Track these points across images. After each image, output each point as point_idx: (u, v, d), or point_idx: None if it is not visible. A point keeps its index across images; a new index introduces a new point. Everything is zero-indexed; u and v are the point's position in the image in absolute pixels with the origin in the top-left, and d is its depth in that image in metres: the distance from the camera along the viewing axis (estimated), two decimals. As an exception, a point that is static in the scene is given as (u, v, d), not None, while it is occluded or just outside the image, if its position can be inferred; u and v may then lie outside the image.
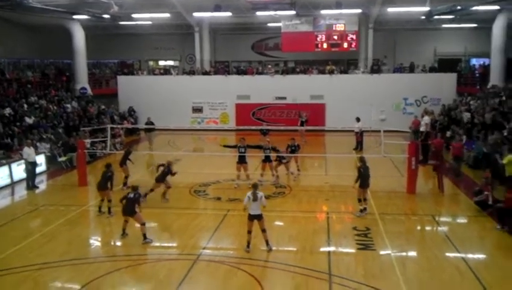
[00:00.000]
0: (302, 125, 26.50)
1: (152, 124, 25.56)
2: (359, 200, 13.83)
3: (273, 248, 11.30)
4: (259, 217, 11.07)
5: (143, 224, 11.78)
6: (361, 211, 13.67)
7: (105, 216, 13.88)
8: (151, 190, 15.01)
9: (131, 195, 11.85)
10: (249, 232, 11.11)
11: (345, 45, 30.94)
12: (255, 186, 11.25)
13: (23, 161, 17.93)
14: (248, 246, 11.12)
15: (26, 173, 17.74)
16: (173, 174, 15.26)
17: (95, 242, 12.48)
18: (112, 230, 13.12)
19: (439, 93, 29.49)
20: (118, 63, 37.66)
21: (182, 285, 9.48)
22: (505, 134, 18.75)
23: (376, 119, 28.22)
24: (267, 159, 17.37)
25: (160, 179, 15.05)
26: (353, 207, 14.85)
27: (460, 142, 18.56)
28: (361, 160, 14.24)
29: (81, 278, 9.82)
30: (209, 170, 19.23)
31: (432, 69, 31.40)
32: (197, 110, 32.18)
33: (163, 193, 15.27)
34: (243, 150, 17.01)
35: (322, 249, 11.40)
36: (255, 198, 10.97)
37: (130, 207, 11.79)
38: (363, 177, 13.73)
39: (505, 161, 15.02)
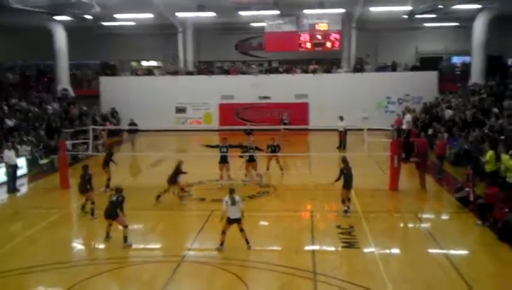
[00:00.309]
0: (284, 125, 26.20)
1: (135, 124, 25.41)
2: (343, 201, 13.77)
3: (257, 248, 11.33)
4: (238, 221, 11.10)
5: (126, 226, 11.63)
6: (345, 211, 13.64)
7: (88, 218, 13.72)
8: (165, 191, 14.91)
9: (114, 198, 11.71)
10: (223, 232, 11.12)
11: (328, 44, 31.07)
12: (231, 191, 11.15)
13: (3, 164, 17.66)
14: (222, 245, 11.12)
15: (7, 176, 17.45)
16: (183, 173, 15.26)
17: (78, 245, 12.35)
18: (95, 233, 12.97)
19: (421, 91, 29.79)
20: (100, 64, 37.29)
21: (166, 287, 9.43)
22: (486, 131, 19.01)
23: (359, 117, 28.39)
24: (251, 159, 17.37)
25: (172, 180, 14.96)
26: (337, 206, 14.91)
27: (443, 141, 18.73)
28: (344, 161, 14.15)
29: (64, 281, 9.72)
30: (193, 170, 19.11)
31: (414, 68, 31.75)
32: (181, 110, 32.05)
33: (179, 194, 15.31)
34: (225, 150, 17.01)
35: (306, 248, 11.45)
36: (233, 202, 10.96)
37: (112, 210, 11.63)
38: (347, 178, 13.67)
39: (486, 158, 15.26)
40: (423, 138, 18.20)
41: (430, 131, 22.96)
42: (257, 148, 17.56)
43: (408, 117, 23.16)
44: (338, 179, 13.79)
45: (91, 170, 14.58)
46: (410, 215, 13.87)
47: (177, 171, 15.09)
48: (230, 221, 11.07)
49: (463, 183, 14.62)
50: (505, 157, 14.79)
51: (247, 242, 11.22)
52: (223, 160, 16.99)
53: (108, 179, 16.71)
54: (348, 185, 13.72)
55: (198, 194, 16.20)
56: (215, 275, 10.08)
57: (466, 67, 30.59)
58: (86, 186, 14.02)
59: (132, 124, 25.42)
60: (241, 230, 11.20)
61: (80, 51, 33.19)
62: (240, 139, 19.91)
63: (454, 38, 32.91)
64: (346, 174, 13.69)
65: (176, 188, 15.23)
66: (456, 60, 34.13)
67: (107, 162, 16.87)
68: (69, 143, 19.42)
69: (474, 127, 20.00)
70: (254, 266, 10.36)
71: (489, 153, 15.22)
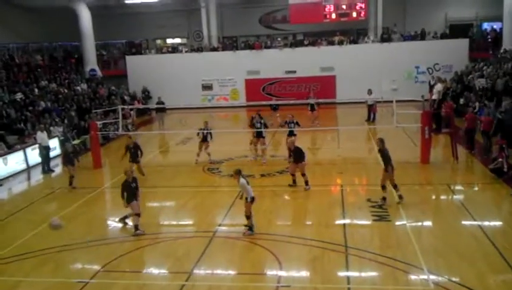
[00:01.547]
0: (312, 109, 23.07)
1: (162, 103, 25.54)
2: (383, 187, 12.42)
3: (288, 223, 11.53)
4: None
5: (137, 215, 11.27)
6: (383, 198, 12.40)
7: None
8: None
9: (134, 184, 11.36)
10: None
11: (354, 14, 30.45)
12: (239, 173, 10.74)
13: (37, 146, 18.13)
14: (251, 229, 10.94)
15: (41, 157, 17.95)
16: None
17: (113, 223, 12.63)
18: (129, 210, 13.24)
19: (451, 60, 29.00)
20: (126, 43, 37.48)
21: (200, 261, 9.61)
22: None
23: (387, 89, 27.91)
24: (259, 135, 17.19)
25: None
26: (367, 179, 14.89)
27: (472, 114, 17.83)
28: (382, 141, 12.50)
29: (101, 258, 10.00)
30: (221, 147, 19.23)
31: (444, 36, 30.81)
32: (207, 87, 32.11)
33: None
34: (259, 125, 17.10)
35: (337, 222, 11.45)
36: (248, 182, 10.79)
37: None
38: (388, 159, 12.23)
39: None
40: (450, 102, 17.68)
41: (461, 101, 22.42)
42: (297, 124, 17.32)
43: (439, 87, 22.60)
44: (385, 163, 12.24)
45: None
46: (442, 188, 13.68)
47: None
48: (253, 199, 10.74)
49: (496, 154, 14.29)
50: None
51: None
52: (259, 134, 17.11)
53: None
54: (390, 166, 12.20)
55: (227, 170, 16.30)
56: (247, 249, 10.21)
57: (497, 34, 29.52)
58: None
59: (159, 102, 25.57)
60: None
61: (105, 31, 33.48)
62: (266, 115, 19.87)
63: (485, 4, 31.73)
64: (386, 155, 12.27)
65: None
66: (487, 26, 32.97)
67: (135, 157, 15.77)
68: (99, 123, 19.67)
69: (506, 96, 19.37)
70: (285, 240, 10.43)
71: None
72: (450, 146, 16.32)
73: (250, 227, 10.85)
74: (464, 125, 17.43)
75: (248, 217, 10.81)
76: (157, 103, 25.57)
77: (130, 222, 11.63)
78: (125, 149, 15.63)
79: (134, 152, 15.53)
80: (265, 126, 17.58)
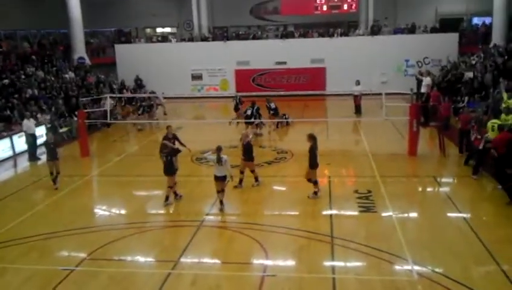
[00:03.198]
0: (275, 114, 21.01)
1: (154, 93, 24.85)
2: (309, 180, 12.39)
3: (275, 213, 11.59)
4: (223, 179, 11.60)
5: (170, 187, 12.13)
6: (314, 193, 12.36)
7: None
8: None
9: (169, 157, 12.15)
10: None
11: (345, 6, 30.48)
12: (218, 149, 11.50)
13: (23, 133, 17.95)
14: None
15: (27, 145, 17.78)
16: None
17: (100, 211, 12.61)
18: (115, 199, 13.26)
19: (441, 54, 29.12)
20: (115, 31, 37.14)
21: (187, 250, 9.62)
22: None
23: (377, 81, 28.01)
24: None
25: None
26: (354, 171, 14.97)
27: (467, 114, 16.14)
28: (313, 138, 12.29)
29: (87, 246, 9.96)
30: (210, 137, 19.18)
31: (434, 30, 30.91)
32: (197, 77, 31.96)
33: None
34: (249, 112, 18.25)
35: (324, 213, 11.49)
36: (218, 160, 11.35)
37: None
38: (315, 157, 12.18)
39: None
40: (447, 102, 17.73)
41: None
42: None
43: (427, 80, 22.71)
44: (311, 159, 12.16)
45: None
46: (428, 180, 13.79)
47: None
48: (215, 178, 11.57)
49: (471, 129, 14.27)
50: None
51: (221, 203, 11.67)
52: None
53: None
54: (315, 164, 12.24)
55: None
56: (233, 238, 10.24)
57: (487, 29, 29.70)
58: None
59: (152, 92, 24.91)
60: (221, 191, 11.68)
61: (93, 19, 33.12)
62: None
63: (475, -2, 31.90)
64: (314, 153, 12.15)
65: None
66: (477, 20, 33.15)
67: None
68: (86, 112, 19.48)
69: (494, 90, 19.53)
70: (272, 230, 10.47)
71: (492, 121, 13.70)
72: (437, 139, 16.44)
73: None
74: (458, 126, 16.47)
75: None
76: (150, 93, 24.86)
77: (178, 193, 12.40)
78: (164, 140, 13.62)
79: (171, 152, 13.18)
80: (257, 115, 17.87)
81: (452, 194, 12.51)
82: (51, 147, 14.00)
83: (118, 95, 25.52)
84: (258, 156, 16.28)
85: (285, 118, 20.92)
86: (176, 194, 12.39)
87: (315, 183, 12.29)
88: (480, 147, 13.12)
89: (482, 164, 13.30)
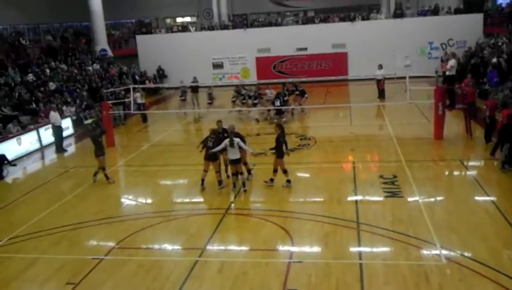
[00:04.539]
0: (300, 94, 21.21)
1: (197, 81, 24.05)
2: (282, 170, 12.19)
3: (300, 199, 11.64)
4: (237, 162, 11.93)
5: (217, 172, 12.42)
6: (288, 181, 12.23)
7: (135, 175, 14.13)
8: None
9: (210, 143, 12.15)
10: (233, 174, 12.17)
11: (366, -11, 29.97)
12: (231, 132, 11.84)
13: (50, 126, 18.28)
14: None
15: (54, 137, 18.11)
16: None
17: (127, 201, 12.78)
18: (141, 188, 13.42)
19: (466, 35, 28.43)
20: (136, 22, 37.36)
21: (213, 238, 9.70)
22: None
23: (400, 65, 27.57)
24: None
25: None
26: (379, 156, 14.82)
27: (494, 100, 15.19)
28: (281, 127, 12.30)
29: (115, 235, 10.14)
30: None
31: (457, 11, 30.17)
32: (218, 66, 31.95)
33: None
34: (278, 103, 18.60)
35: (349, 199, 11.42)
36: (231, 144, 11.60)
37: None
38: (281, 147, 12.01)
39: None
40: (471, 87, 17.18)
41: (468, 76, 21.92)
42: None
43: (452, 62, 22.21)
44: (278, 148, 12.02)
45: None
46: (455, 163, 13.55)
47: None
48: (230, 161, 11.99)
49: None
50: None
51: (244, 185, 12.10)
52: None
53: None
54: (282, 153, 12.07)
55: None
56: (259, 226, 10.26)
57: (514, 8, 28.84)
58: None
59: (194, 81, 23.86)
60: (241, 173, 12.09)
61: (114, 10, 33.37)
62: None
63: (501, -23, 30.98)
64: (281, 142, 11.98)
65: None
66: (502, 0, 32.19)
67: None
68: (110, 103, 19.68)
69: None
70: (297, 217, 10.47)
71: None
72: (464, 122, 16.14)
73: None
74: (486, 113, 14.97)
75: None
76: (193, 82, 24.35)
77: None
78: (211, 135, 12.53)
79: (221, 140, 12.19)
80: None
81: (479, 177, 12.28)
82: (100, 142, 13.74)
83: (141, 86, 25.59)
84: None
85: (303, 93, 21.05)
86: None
87: (285, 172, 12.16)
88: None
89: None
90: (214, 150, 11.91)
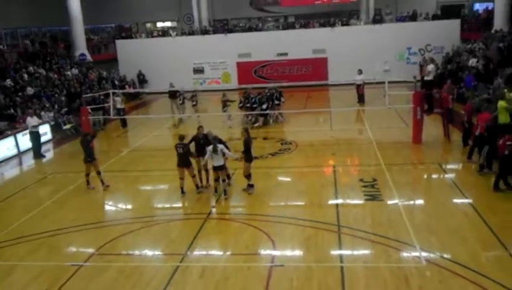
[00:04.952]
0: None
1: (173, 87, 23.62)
2: (247, 177, 12.21)
3: (281, 203, 11.65)
4: (221, 168, 11.80)
5: (193, 176, 12.38)
6: (250, 185, 12.28)
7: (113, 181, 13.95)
8: None
9: (180, 150, 12.16)
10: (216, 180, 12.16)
11: (346, -5, 30.28)
12: (214, 138, 11.87)
13: (28, 131, 17.97)
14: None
15: (32, 143, 17.82)
16: None
17: (106, 207, 12.64)
18: (120, 194, 13.28)
19: (443, 41, 28.94)
20: (115, 27, 37.06)
21: (194, 243, 9.64)
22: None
23: (379, 70, 27.91)
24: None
25: None
26: (359, 160, 14.95)
27: (471, 104, 15.57)
28: (247, 132, 12.23)
29: (95, 241, 10.00)
30: (215, 130, 19.13)
31: (435, 17, 30.72)
32: (198, 71, 31.89)
33: None
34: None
35: (330, 202, 11.49)
36: (214, 150, 11.51)
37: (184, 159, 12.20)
38: (249, 150, 12.02)
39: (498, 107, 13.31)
40: (446, 93, 17.41)
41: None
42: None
43: (430, 67, 22.58)
44: (247, 153, 12.04)
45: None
46: (434, 167, 13.75)
47: None
48: (214, 168, 11.86)
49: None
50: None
51: (225, 193, 11.93)
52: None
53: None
54: (251, 157, 12.15)
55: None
56: (241, 230, 10.24)
57: (489, 14, 29.46)
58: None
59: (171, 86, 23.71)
60: (223, 180, 11.92)
61: (94, 15, 33.03)
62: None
63: (477, -16, 31.66)
64: (249, 146, 11.99)
65: None
66: (479, 6, 32.89)
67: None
68: (89, 108, 19.47)
69: (496, 76, 19.38)
70: (279, 221, 10.47)
71: (501, 103, 13.07)
72: (442, 126, 16.39)
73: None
74: (463, 118, 15.14)
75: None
76: (170, 88, 24.10)
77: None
78: (192, 141, 12.78)
79: (201, 145, 12.45)
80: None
81: (458, 180, 12.48)
82: (91, 147, 13.44)
83: (121, 91, 25.33)
84: (262, 148, 16.36)
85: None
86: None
87: (248, 176, 12.18)
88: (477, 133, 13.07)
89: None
90: (203, 161, 12.36)
